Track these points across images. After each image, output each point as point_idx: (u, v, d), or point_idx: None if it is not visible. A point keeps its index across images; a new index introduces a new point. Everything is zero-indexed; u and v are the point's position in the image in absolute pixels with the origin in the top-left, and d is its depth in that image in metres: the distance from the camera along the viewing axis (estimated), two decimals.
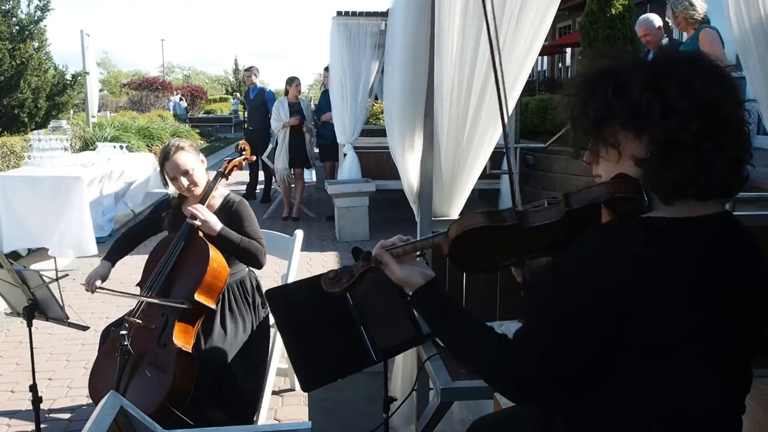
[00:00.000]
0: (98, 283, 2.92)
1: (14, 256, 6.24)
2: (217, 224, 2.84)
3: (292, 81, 8.82)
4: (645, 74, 1.23)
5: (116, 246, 3.16)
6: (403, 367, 2.89)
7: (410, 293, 1.45)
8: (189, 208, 2.85)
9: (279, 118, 8.56)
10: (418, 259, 1.51)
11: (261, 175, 10.03)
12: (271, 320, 3.09)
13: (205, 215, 2.82)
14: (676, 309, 1.19)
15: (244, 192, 9.90)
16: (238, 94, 30.88)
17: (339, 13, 8.34)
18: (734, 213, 1.57)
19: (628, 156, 1.26)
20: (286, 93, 8.81)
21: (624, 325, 1.19)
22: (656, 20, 5.15)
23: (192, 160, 2.94)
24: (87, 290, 2.92)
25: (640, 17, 5.32)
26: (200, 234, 2.84)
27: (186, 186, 2.92)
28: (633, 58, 1.32)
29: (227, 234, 2.85)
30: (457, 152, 2.71)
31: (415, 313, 1.71)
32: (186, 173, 2.91)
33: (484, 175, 2.91)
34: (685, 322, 1.20)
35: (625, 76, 1.25)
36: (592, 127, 1.28)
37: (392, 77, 2.70)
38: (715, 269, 1.22)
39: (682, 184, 1.22)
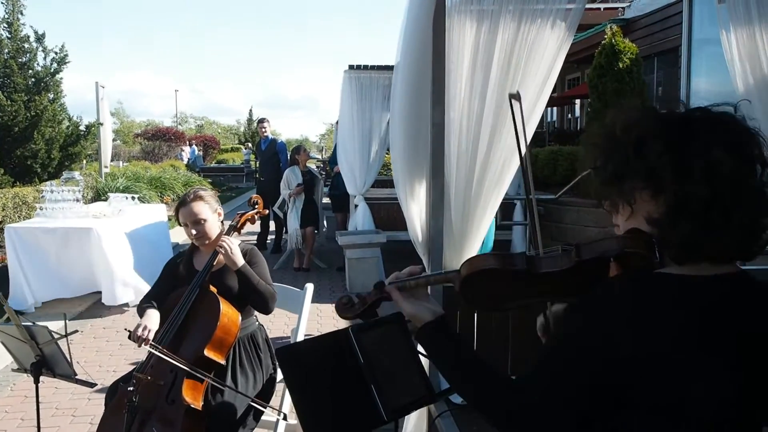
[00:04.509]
0: (151, 336, 2.71)
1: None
2: (240, 259, 2.88)
3: (299, 150, 8.95)
4: (667, 136, 1.24)
5: (145, 304, 2.95)
6: (413, 424, 2.82)
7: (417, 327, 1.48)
8: (221, 238, 2.88)
9: (289, 186, 8.69)
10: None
11: (272, 225, 10.06)
12: (279, 376, 3.05)
13: (233, 247, 2.86)
14: (680, 366, 1.17)
15: (255, 242, 9.91)
16: (250, 144, 31.24)
17: (351, 67, 8.49)
18: (747, 266, 1.53)
19: (642, 213, 1.27)
20: (295, 162, 8.86)
21: (627, 382, 1.18)
22: None
23: (206, 210, 2.96)
24: (134, 341, 2.68)
25: None
26: (212, 288, 2.84)
27: (193, 235, 2.96)
28: (660, 114, 1.31)
29: (247, 272, 2.88)
30: (467, 204, 2.71)
31: (427, 371, 1.69)
32: (197, 223, 2.95)
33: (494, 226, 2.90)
34: (690, 380, 1.17)
35: (647, 134, 1.25)
36: (610, 180, 1.30)
37: (394, 128, 2.73)
38: (725, 325, 1.20)
39: (689, 247, 1.22)
